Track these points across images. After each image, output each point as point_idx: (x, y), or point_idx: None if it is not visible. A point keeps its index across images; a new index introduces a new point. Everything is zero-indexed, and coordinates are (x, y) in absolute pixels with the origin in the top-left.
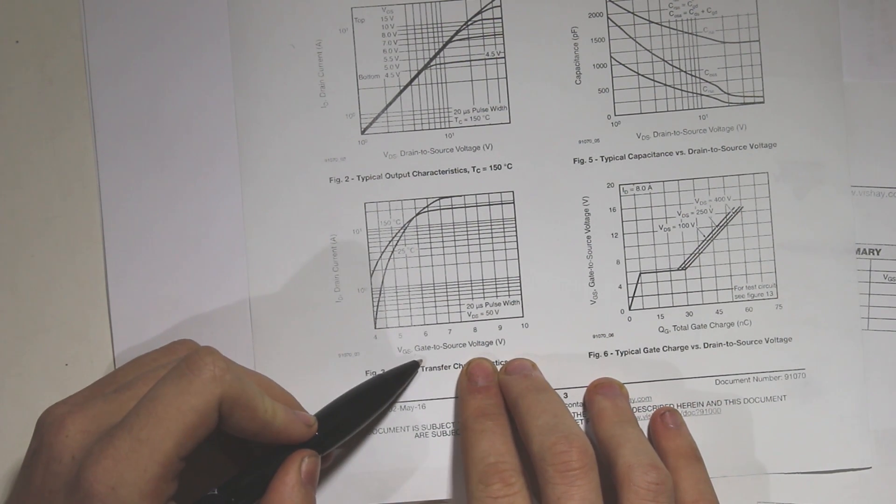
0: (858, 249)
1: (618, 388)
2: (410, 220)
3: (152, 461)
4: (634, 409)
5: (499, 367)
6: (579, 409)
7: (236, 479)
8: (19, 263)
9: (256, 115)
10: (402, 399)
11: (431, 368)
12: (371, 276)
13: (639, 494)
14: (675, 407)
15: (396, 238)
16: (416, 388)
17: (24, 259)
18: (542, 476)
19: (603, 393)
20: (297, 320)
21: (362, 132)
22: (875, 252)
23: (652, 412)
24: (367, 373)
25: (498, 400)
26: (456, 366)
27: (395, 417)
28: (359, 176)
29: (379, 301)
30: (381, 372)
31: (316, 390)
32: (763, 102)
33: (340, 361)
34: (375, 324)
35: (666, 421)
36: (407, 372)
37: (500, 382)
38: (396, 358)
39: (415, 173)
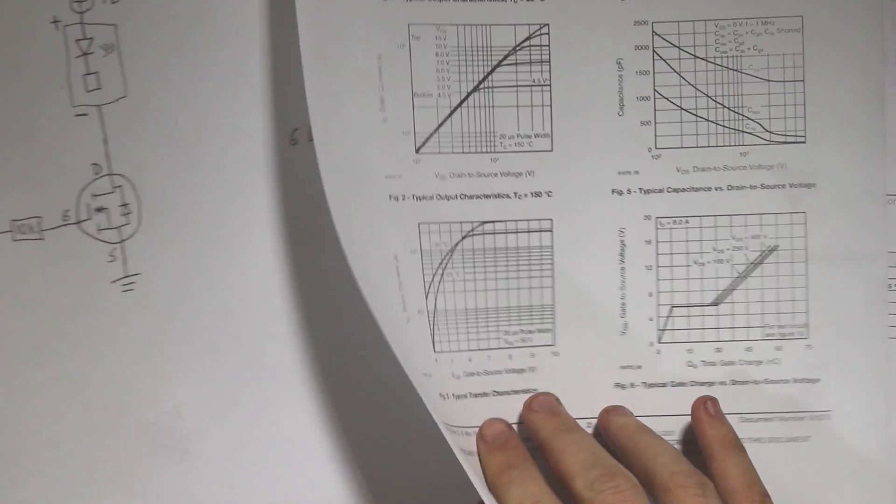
0: (890, 286)
1: (628, 410)
2: (457, 244)
3: None
4: None
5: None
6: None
7: None
8: None
9: (328, 126)
10: (452, 424)
11: (476, 395)
12: (426, 298)
13: (688, 492)
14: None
15: (445, 261)
16: (465, 416)
17: None
18: None
19: (618, 413)
20: None
21: (417, 151)
22: None
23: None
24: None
25: (519, 450)
26: (494, 393)
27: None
28: (414, 195)
29: (434, 324)
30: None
31: None
32: (805, 142)
33: None
34: (434, 348)
35: (708, 408)
36: None
37: (526, 421)
38: (451, 384)
39: (462, 196)
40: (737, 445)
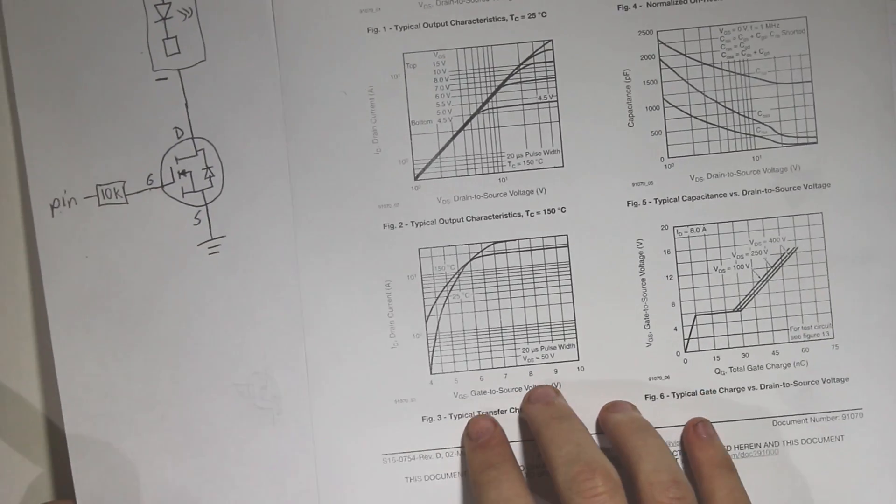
0: None
1: (629, 406)
2: (465, 266)
3: None
4: None
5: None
6: None
7: None
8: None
9: (308, 162)
10: (433, 447)
11: (489, 413)
12: (426, 321)
13: None
14: (732, 448)
15: (451, 283)
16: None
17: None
18: None
19: (614, 410)
20: (353, 366)
21: (415, 178)
22: None
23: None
24: (423, 419)
25: (500, 449)
26: (512, 410)
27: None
28: (412, 222)
29: (434, 346)
30: (436, 417)
31: (372, 436)
32: (816, 143)
33: (396, 408)
34: (431, 369)
35: (699, 432)
36: None
37: (524, 412)
38: (452, 403)
39: (468, 218)
40: (725, 466)
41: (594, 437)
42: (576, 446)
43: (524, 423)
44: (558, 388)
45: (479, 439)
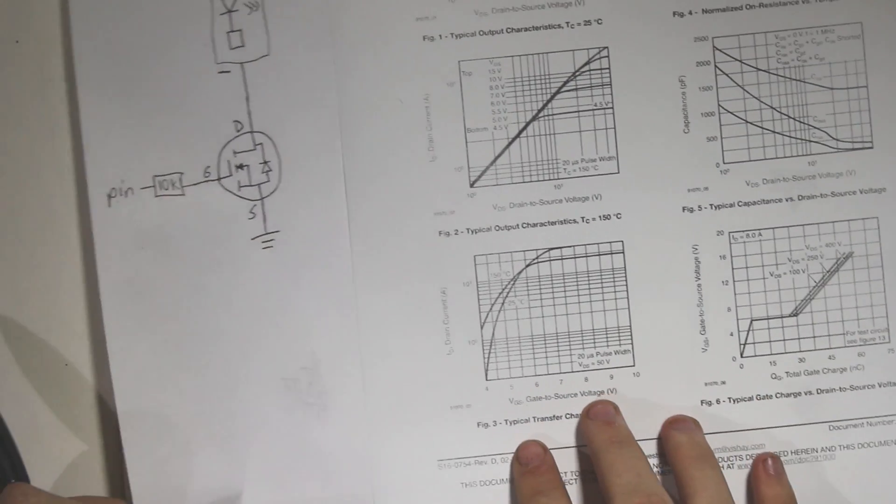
0: None
1: (692, 423)
2: (520, 272)
3: None
4: (747, 457)
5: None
6: None
7: None
8: (20, 265)
9: (365, 170)
10: (486, 453)
11: (544, 419)
12: (482, 328)
13: None
14: (789, 454)
15: (507, 290)
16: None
17: (25, 259)
18: None
19: (678, 428)
20: (408, 373)
21: (471, 185)
22: None
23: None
24: (478, 424)
25: (550, 476)
26: (568, 416)
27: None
28: (468, 229)
29: (490, 353)
30: (492, 423)
31: (428, 442)
32: (872, 148)
33: (452, 414)
34: (487, 375)
35: (768, 467)
36: None
37: (582, 428)
38: (508, 409)
39: (524, 225)
40: None
41: (650, 440)
42: (636, 476)
43: (580, 430)
44: (614, 392)
45: (529, 465)
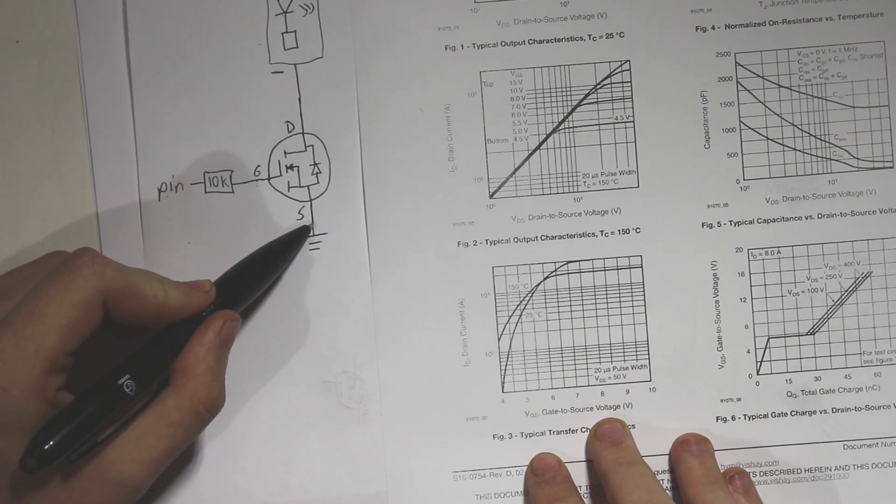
0: None
1: (704, 445)
2: (538, 285)
3: (39, 357)
4: (761, 474)
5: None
6: None
7: (138, 354)
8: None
9: (384, 179)
10: (501, 465)
11: (560, 432)
12: (499, 339)
13: None
14: (803, 472)
15: (524, 302)
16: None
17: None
18: None
19: (689, 451)
20: (425, 384)
21: (490, 196)
22: None
23: (777, 475)
24: (494, 437)
25: (566, 485)
26: (583, 429)
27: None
28: (487, 240)
29: (506, 365)
30: (508, 435)
31: (443, 453)
32: (892, 167)
33: (468, 426)
34: (503, 388)
35: (735, 485)
36: (298, 237)
37: (590, 448)
38: (523, 422)
39: (543, 237)
40: None
41: (664, 456)
42: (647, 492)
43: (588, 449)
44: (630, 407)
45: (545, 475)
